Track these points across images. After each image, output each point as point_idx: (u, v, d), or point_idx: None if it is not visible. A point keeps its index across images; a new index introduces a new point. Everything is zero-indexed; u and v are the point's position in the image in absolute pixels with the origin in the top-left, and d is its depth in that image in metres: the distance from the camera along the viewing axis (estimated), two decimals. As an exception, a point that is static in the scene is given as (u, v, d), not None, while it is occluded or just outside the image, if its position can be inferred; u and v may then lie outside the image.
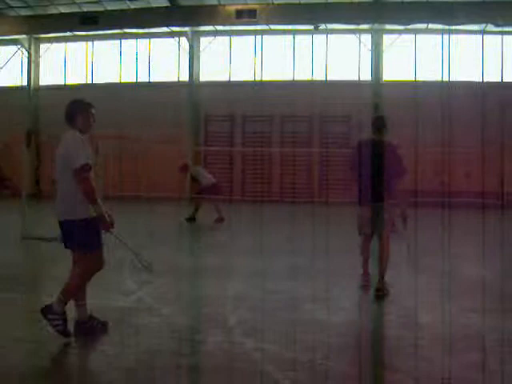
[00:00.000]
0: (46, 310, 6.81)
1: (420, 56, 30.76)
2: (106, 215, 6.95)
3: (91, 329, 7.11)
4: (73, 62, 33.97)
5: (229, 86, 31.73)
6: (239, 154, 31.27)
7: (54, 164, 7.12)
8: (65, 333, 6.79)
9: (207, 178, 20.89)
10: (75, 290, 7.00)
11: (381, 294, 9.14)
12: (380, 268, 9.36)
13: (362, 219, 9.73)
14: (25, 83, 34.25)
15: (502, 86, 28.68)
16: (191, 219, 20.19)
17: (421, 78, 30.44)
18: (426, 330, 7.48)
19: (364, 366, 6.19)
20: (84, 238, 6.92)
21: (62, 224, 7.04)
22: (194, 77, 32.38)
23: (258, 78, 31.92)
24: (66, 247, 7.16)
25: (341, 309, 8.50)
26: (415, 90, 27.45)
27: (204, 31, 32.38)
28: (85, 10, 31.46)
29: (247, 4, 30.52)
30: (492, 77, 29.64)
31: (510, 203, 14.13)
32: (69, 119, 7.28)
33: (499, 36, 29.66)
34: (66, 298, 6.91)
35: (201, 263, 12.43)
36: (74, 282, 6.97)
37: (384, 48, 30.91)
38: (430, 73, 30.25)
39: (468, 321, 7.87)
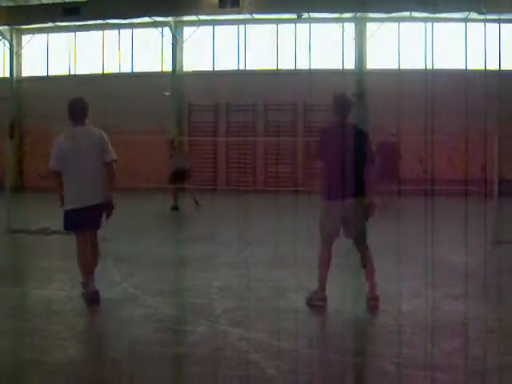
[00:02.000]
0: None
1: (403, 44, 30.79)
2: None
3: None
4: (55, 53, 33.77)
5: (212, 75, 31.66)
6: (223, 143, 31.24)
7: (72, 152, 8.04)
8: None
9: (179, 163, 21.25)
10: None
11: (377, 303, 8.05)
12: (370, 282, 8.12)
13: (330, 219, 8.11)
14: (7, 74, 34.04)
15: (486, 74, 28.76)
16: (175, 208, 20.37)
17: (404, 66, 30.46)
18: (406, 316, 7.53)
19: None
20: (101, 219, 8.32)
21: (87, 208, 8.02)
22: (178, 67, 32.28)
23: (241, 68, 31.89)
24: (70, 229, 8.25)
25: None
26: (399, 79, 27.49)
27: (187, 21, 32.26)
28: (67, 0, 31.26)
29: (230, -7, 30.43)
30: (475, 64, 29.70)
31: (492, 191, 14.30)
32: (84, 115, 8.27)
33: (482, 24, 29.73)
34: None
35: (185, 253, 12.43)
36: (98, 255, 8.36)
37: (367, 36, 30.93)
38: (414, 61, 30.31)
39: (451, 307, 7.95)
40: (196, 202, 20.95)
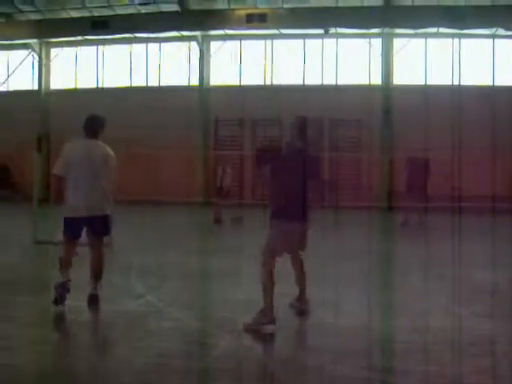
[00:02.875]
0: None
1: (430, 60, 30.70)
2: None
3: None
4: (83, 67, 34.07)
5: (239, 90, 31.73)
6: (249, 157, 31.24)
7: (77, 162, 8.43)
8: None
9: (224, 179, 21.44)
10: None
11: (304, 307, 8.54)
12: (302, 287, 8.56)
13: (278, 237, 8.06)
14: (36, 87, 34.38)
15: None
16: (217, 221, 20.52)
17: (431, 82, 30.38)
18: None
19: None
20: (107, 228, 8.75)
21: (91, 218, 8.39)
22: (205, 81, 32.41)
23: (268, 82, 31.94)
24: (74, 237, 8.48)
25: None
26: (425, 94, 27.41)
27: (214, 35, 32.41)
28: (96, 14, 31.58)
29: (257, 8, 30.57)
30: (502, 81, 29.54)
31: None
32: (95, 132, 8.63)
33: (509, 40, 29.57)
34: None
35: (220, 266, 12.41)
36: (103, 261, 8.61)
37: (394, 52, 30.87)
38: (441, 77, 30.21)
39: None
40: (235, 218, 20.97)
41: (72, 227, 8.41)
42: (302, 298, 8.59)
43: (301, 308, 8.56)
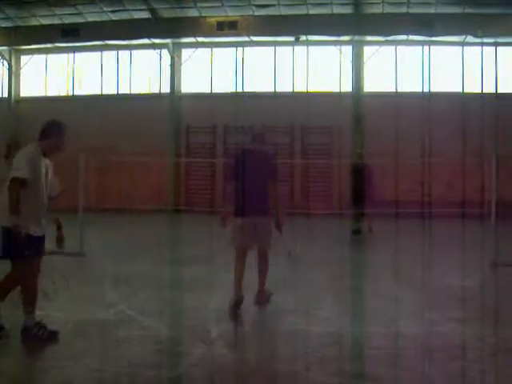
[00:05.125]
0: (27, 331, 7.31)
1: (401, 67, 30.91)
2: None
3: (36, 336, 7.30)
4: (54, 74, 33.87)
5: (210, 97, 31.74)
6: (221, 164, 31.21)
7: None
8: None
9: None
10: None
11: (262, 299, 9.39)
12: (261, 280, 9.43)
13: (240, 232, 9.19)
14: (5, 95, 34.09)
15: (483, 97, 28.85)
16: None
17: (401, 89, 30.59)
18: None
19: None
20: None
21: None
22: (176, 88, 32.36)
23: (239, 90, 31.96)
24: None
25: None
26: (396, 101, 27.59)
27: (185, 43, 32.38)
28: (66, 21, 31.38)
29: (228, 16, 30.58)
30: (472, 88, 29.81)
31: (490, 213, 14.25)
32: (42, 136, 7.54)
33: (479, 47, 29.87)
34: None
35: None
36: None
37: (365, 59, 31.04)
38: (411, 84, 30.43)
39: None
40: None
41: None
42: (261, 289, 9.40)
43: (260, 300, 9.35)
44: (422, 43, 30.05)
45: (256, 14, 30.37)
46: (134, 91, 32.85)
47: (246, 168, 9.22)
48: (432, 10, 28.50)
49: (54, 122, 7.73)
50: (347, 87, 31.03)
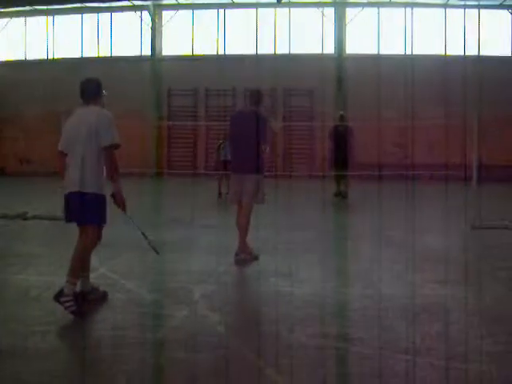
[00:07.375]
0: (58, 295, 6.92)
1: (383, 29, 30.83)
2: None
3: (94, 300, 7.38)
4: (33, 37, 33.47)
5: (192, 60, 31.55)
6: (203, 127, 31.13)
7: (66, 135, 7.32)
8: (78, 313, 6.90)
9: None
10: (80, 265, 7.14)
11: (240, 258, 9.70)
12: (240, 237, 9.78)
13: (232, 187, 10.21)
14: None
15: (465, 59, 28.83)
16: (220, 194, 19.66)
17: (384, 51, 30.53)
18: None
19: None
20: (98, 212, 7.12)
21: (72, 196, 7.06)
22: (157, 51, 32.13)
23: (220, 52, 31.77)
24: (69, 221, 7.24)
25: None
26: (378, 64, 27.53)
27: (166, 5, 32.09)
28: (45, -17, 30.98)
29: (210, -23, 30.32)
30: (455, 50, 29.76)
31: (472, 176, 14.35)
32: (89, 95, 7.43)
33: (462, 9, 29.78)
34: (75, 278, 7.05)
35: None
36: (78, 256, 7.11)
37: (347, 21, 30.91)
38: (393, 46, 30.37)
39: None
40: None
41: (66, 207, 7.19)
42: (241, 247, 9.76)
43: (239, 257, 9.70)
44: (405, 5, 29.95)
45: (238, -25, 30.13)
46: (115, 54, 32.58)
47: (237, 129, 10.00)
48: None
49: (96, 80, 7.64)
50: (330, 49, 30.94)
